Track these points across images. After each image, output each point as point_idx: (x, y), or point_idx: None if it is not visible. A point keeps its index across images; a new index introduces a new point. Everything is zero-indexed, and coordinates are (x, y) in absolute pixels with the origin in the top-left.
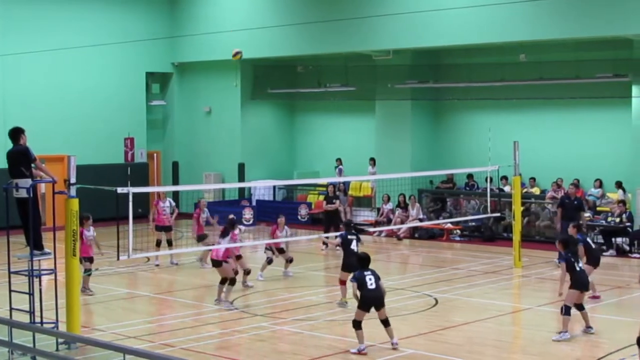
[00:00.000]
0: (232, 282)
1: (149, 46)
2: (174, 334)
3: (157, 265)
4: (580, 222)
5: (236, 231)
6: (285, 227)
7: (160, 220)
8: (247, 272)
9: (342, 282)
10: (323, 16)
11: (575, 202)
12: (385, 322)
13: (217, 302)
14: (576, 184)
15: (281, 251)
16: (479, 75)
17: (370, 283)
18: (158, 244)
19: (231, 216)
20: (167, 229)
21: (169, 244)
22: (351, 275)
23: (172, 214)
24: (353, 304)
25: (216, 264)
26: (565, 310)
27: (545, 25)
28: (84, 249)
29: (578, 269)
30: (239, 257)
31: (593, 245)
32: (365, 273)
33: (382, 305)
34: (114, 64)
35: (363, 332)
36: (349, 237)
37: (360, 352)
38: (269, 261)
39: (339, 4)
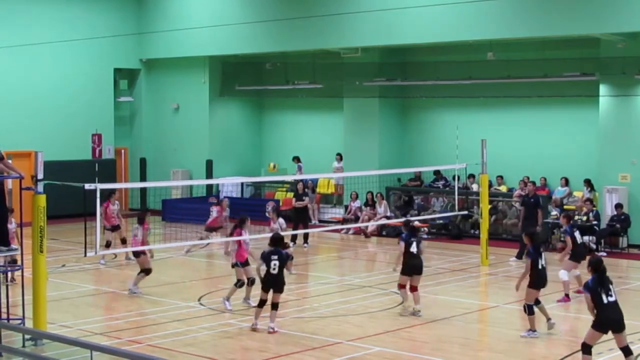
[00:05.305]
0: (148, 272)
1: (117, 42)
2: (140, 330)
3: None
4: (538, 219)
5: (146, 225)
6: (280, 218)
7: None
8: (147, 272)
9: (402, 286)
10: (291, 13)
11: (532, 200)
12: (274, 305)
13: (130, 291)
14: (533, 182)
15: None
16: (446, 73)
17: (274, 267)
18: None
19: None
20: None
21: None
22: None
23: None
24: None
25: (135, 254)
26: (529, 310)
27: (513, 23)
28: None
29: (540, 266)
30: (137, 255)
31: (579, 240)
32: (272, 256)
33: (279, 291)
34: (82, 60)
35: (261, 311)
36: (411, 239)
37: (252, 328)
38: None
39: (308, 1)
